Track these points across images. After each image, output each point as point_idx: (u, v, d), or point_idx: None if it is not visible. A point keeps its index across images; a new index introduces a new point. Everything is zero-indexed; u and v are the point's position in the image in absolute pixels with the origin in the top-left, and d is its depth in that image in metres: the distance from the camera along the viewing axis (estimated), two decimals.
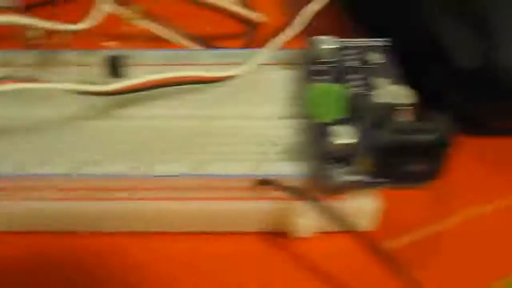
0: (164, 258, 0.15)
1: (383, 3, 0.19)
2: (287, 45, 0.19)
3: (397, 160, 0.14)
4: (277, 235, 0.15)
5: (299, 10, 0.20)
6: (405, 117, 0.15)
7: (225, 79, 0.18)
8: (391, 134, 0.14)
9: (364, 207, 0.15)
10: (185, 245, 0.15)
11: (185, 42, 0.19)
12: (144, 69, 0.18)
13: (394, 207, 0.15)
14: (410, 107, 0.15)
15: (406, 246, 0.15)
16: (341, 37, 0.19)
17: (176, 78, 0.16)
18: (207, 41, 0.19)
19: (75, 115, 0.16)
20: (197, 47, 0.19)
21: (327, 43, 0.18)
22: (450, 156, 0.14)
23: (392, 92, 0.15)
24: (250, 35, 0.21)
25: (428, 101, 0.18)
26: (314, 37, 0.18)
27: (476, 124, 0.18)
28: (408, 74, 0.18)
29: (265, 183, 0.15)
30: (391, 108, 0.15)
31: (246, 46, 0.21)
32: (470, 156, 0.17)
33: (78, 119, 0.16)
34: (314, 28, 0.21)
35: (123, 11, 0.17)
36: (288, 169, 0.15)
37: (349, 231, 0.14)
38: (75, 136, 0.16)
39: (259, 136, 0.16)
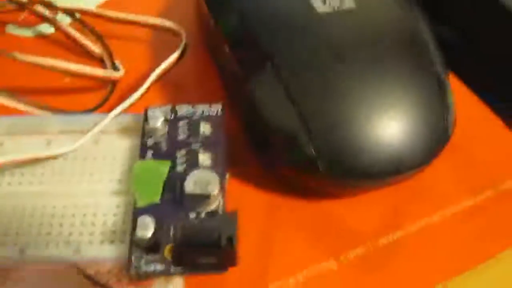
0: None
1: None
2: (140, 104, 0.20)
3: (189, 255, 0.15)
4: None
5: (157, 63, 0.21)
6: (210, 207, 0.16)
7: (61, 155, 0.18)
8: (182, 232, 0.15)
9: None
10: None
11: (30, 108, 0.19)
12: None
13: None
14: (214, 196, 0.16)
15: None
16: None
17: (2, 163, 0.17)
18: (60, 106, 0.20)
19: None
20: (43, 112, 0.20)
21: (157, 115, 0.18)
22: (235, 249, 0.15)
23: (201, 180, 0.16)
24: (108, 93, 0.21)
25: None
26: (148, 108, 0.19)
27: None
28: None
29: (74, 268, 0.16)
30: (195, 198, 0.16)
31: (102, 104, 0.21)
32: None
33: None
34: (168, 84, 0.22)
35: None
36: (108, 253, 0.16)
37: None
38: None
39: (88, 216, 0.17)
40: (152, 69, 0.22)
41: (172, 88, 0.22)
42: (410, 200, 0.19)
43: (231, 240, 0.15)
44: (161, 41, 0.24)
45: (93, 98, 0.22)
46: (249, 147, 0.20)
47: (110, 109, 0.21)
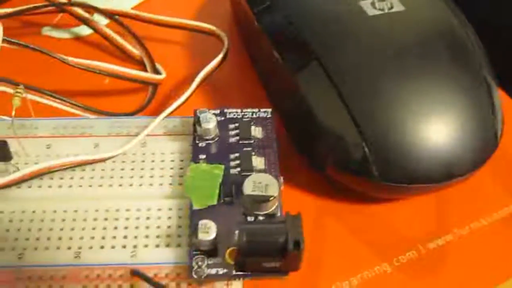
0: None
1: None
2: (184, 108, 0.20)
3: (253, 259, 0.15)
4: None
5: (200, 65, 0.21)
6: (268, 209, 0.16)
7: (110, 158, 0.18)
8: (247, 236, 0.15)
9: None
10: None
11: (74, 110, 0.19)
12: (34, 143, 0.18)
13: None
14: (273, 199, 0.16)
15: None
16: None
17: (53, 166, 0.17)
18: (101, 108, 0.20)
19: None
20: (91, 114, 0.20)
21: (209, 119, 0.18)
22: (302, 253, 0.15)
23: (260, 182, 0.16)
24: (150, 96, 0.21)
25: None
26: (197, 110, 0.19)
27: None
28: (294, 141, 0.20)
29: (135, 274, 0.16)
30: (253, 201, 0.16)
31: (145, 107, 0.21)
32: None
33: None
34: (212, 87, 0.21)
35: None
36: (165, 257, 0.16)
37: None
38: None
39: (141, 219, 0.17)
40: (192, 72, 0.21)
41: (213, 90, 0.22)
42: (458, 204, 0.19)
43: (298, 244, 0.14)
44: (197, 43, 0.24)
45: (133, 100, 0.22)
46: (294, 150, 0.20)
47: (152, 112, 0.21)
